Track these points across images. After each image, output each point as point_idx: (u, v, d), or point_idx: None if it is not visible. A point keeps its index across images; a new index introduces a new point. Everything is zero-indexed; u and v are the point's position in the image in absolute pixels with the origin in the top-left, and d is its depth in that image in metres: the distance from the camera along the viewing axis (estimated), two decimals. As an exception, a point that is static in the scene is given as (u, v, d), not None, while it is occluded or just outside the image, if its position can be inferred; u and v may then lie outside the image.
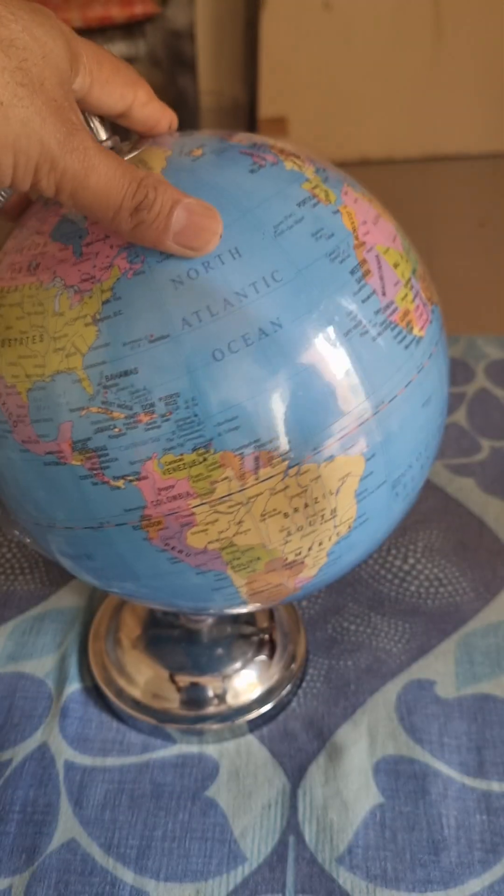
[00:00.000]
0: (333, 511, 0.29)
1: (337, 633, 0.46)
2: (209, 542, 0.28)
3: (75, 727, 0.41)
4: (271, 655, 0.43)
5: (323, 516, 0.29)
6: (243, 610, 0.33)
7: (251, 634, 0.44)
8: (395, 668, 0.44)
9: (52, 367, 0.27)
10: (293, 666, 0.43)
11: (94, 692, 0.43)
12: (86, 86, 0.28)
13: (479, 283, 1.61)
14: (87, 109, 0.29)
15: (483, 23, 1.86)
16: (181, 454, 0.26)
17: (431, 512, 0.53)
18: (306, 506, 0.28)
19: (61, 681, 0.43)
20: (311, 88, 1.93)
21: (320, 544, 0.29)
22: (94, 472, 0.27)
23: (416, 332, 0.29)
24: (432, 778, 0.39)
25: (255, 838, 0.37)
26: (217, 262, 0.26)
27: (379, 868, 0.36)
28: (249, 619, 0.44)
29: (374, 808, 0.38)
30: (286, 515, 0.28)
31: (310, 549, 0.29)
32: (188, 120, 1.64)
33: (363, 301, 0.28)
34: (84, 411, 0.27)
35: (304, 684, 0.43)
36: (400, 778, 0.39)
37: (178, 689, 0.42)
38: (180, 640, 0.43)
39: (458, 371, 0.64)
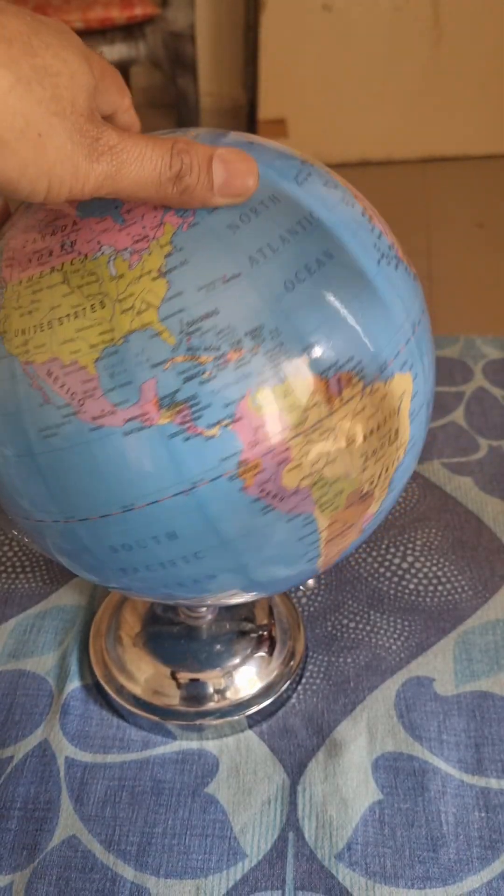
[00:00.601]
0: (396, 432, 0.30)
1: (336, 631, 0.46)
2: (302, 479, 0.28)
3: (76, 724, 0.42)
4: (271, 652, 0.44)
5: (390, 438, 0.30)
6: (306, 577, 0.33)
7: (250, 631, 0.44)
8: (394, 666, 0.44)
9: (123, 328, 0.27)
10: (292, 662, 0.44)
11: (94, 689, 0.43)
12: None
13: (477, 284, 1.62)
14: None
15: (482, 24, 1.86)
16: (273, 386, 0.27)
17: (430, 510, 0.53)
18: (378, 427, 0.29)
19: (62, 678, 0.43)
20: (311, 90, 1.94)
21: (386, 470, 0.31)
22: (186, 425, 0.27)
23: (412, 270, 0.33)
24: (431, 775, 0.40)
25: (255, 835, 0.37)
26: (262, 208, 0.28)
27: (378, 864, 0.36)
28: (249, 615, 0.45)
29: (373, 805, 0.38)
30: (364, 438, 0.29)
31: (379, 476, 0.31)
32: (188, 121, 1.65)
33: (378, 237, 0.30)
34: (168, 364, 0.26)
35: (303, 681, 0.44)
36: (399, 775, 0.40)
37: (179, 686, 0.42)
38: (180, 637, 0.43)
39: (457, 371, 0.65)
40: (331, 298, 0.28)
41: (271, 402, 0.27)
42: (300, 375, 0.27)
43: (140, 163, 0.26)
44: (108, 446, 0.27)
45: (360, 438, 0.29)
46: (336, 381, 0.28)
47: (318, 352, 0.27)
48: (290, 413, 0.27)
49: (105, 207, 0.28)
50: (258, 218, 0.28)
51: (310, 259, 0.28)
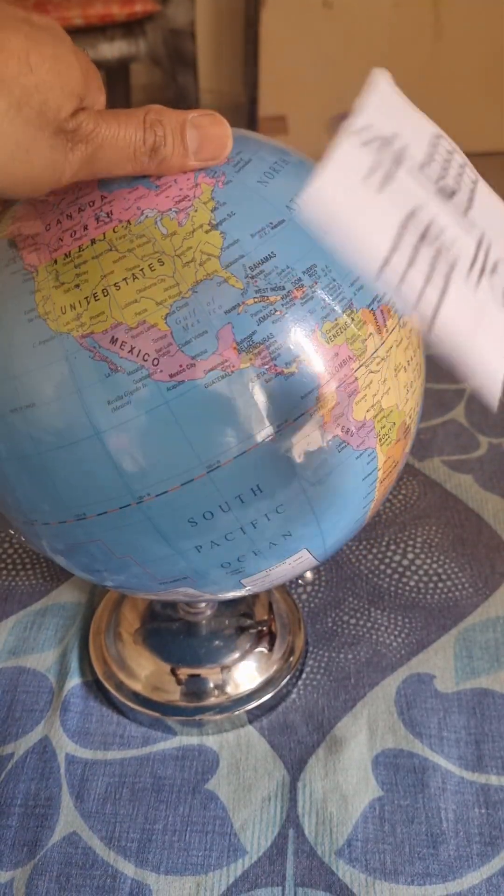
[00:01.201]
0: (420, 365, 0.32)
1: (337, 627, 0.46)
2: (367, 411, 0.30)
3: (76, 721, 0.42)
4: (270, 647, 0.44)
5: (418, 371, 0.32)
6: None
7: (250, 626, 0.44)
8: (394, 662, 0.44)
9: (189, 280, 0.27)
10: (292, 658, 0.44)
11: (94, 686, 0.43)
12: None
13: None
14: None
15: (483, 21, 1.86)
16: (336, 319, 0.28)
17: (430, 508, 0.53)
18: (410, 360, 0.31)
19: (62, 675, 0.44)
20: (312, 87, 1.93)
21: (417, 404, 0.33)
22: (266, 365, 0.27)
23: None
24: (431, 771, 0.40)
25: (255, 831, 0.38)
26: (280, 165, 0.30)
27: (378, 861, 0.37)
28: (248, 611, 0.45)
29: (373, 802, 0.38)
30: (405, 369, 0.31)
31: (414, 410, 0.33)
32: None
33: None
34: (241, 307, 0.27)
35: (304, 676, 0.44)
36: (399, 771, 0.40)
37: (179, 682, 0.42)
38: (180, 633, 0.43)
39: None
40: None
41: (336, 335, 0.28)
42: (355, 307, 0.29)
43: (114, 143, 0.26)
44: (189, 403, 0.27)
45: (402, 369, 0.31)
46: (381, 313, 0.30)
47: (360, 285, 0.29)
48: (353, 344, 0.29)
49: (131, 178, 0.29)
50: (279, 175, 0.29)
51: None
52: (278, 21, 1.85)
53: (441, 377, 0.63)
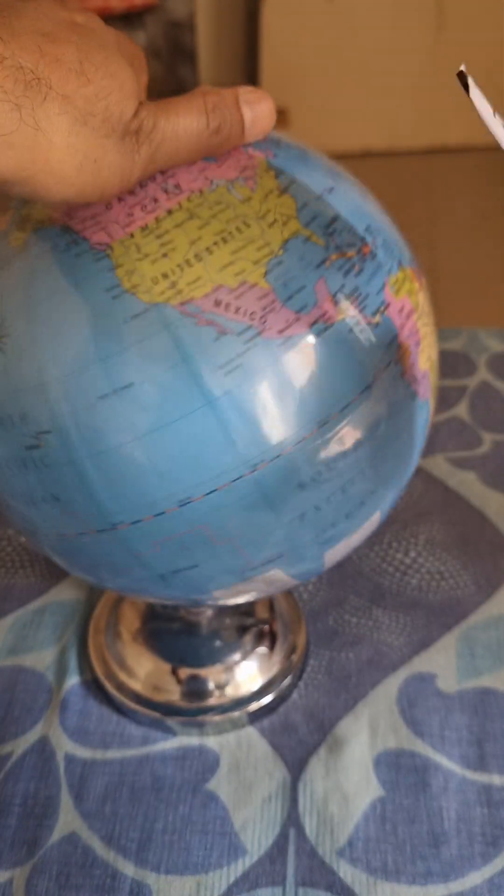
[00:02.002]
0: (431, 321, 0.34)
1: (338, 626, 0.46)
2: (424, 361, 0.32)
3: (75, 720, 0.41)
4: (272, 647, 0.43)
5: (433, 326, 0.34)
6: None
7: (251, 626, 0.44)
8: (396, 661, 0.44)
9: (278, 239, 0.27)
10: (293, 657, 0.43)
11: (93, 685, 0.43)
12: None
13: (481, 276, 1.61)
14: None
15: (485, 13, 1.85)
16: (395, 274, 0.30)
17: (432, 505, 0.53)
18: (426, 313, 0.33)
19: (61, 674, 0.43)
20: (313, 80, 1.92)
21: (435, 355, 0.34)
22: (358, 316, 0.28)
23: None
24: (433, 771, 0.39)
25: (256, 831, 0.37)
26: (299, 145, 0.32)
27: (379, 861, 0.36)
28: (249, 610, 0.44)
29: (374, 801, 0.38)
30: (426, 324, 0.32)
31: (432, 357, 0.34)
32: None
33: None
34: (328, 262, 0.28)
35: (305, 676, 0.43)
36: (401, 771, 0.39)
37: (179, 682, 0.42)
38: (180, 633, 0.43)
39: (460, 364, 0.64)
40: (378, 207, 0.32)
41: (400, 289, 0.30)
42: (404, 265, 0.31)
43: (176, 136, 0.27)
44: (299, 357, 0.27)
45: (427, 320, 0.32)
46: (418, 271, 0.32)
47: (401, 246, 0.31)
48: (411, 297, 0.31)
49: None
50: (308, 152, 0.31)
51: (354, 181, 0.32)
52: (279, 13, 1.84)
53: (444, 374, 0.63)
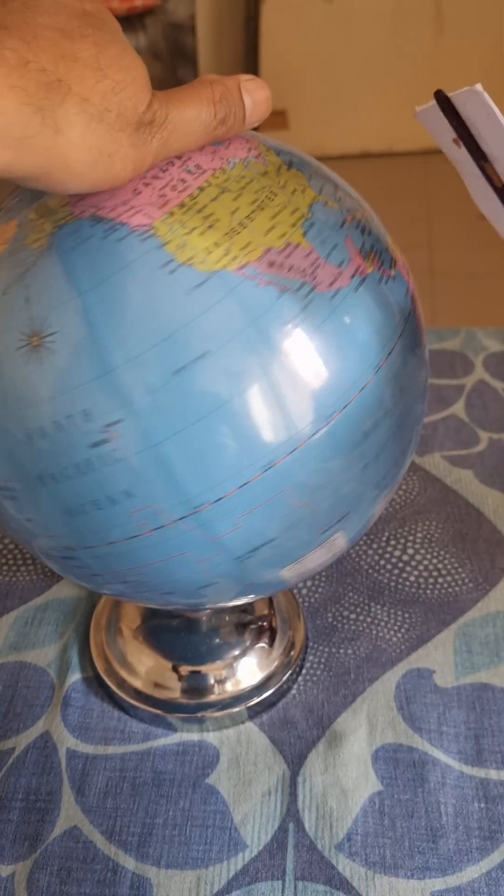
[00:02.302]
0: None
1: (337, 622, 0.46)
2: (422, 316, 0.35)
3: (77, 716, 0.42)
4: (271, 642, 0.44)
5: None
6: None
7: (250, 622, 0.44)
8: (394, 657, 0.44)
9: (304, 203, 0.29)
10: (293, 653, 0.44)
11: (95, 682, 0.43)
12: None
13: (478, 276, 1.61)
14: None
15: (484, 15, 1.85)
16: (387, 235, 0.33)
17: (430, 503, 0.53)
18: None
19: (63, 670, 0.44)
20: (312, 81, 1.93)
21: None
22: (382, 269, 0.30)
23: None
24: (431, 766, 0.40)
25: (256, 825, 0.38)
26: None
27: (378, 855, 0.37)
28: (248, 607, 0.45)
29: (373, 796, 0.39)
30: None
31: None
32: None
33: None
34: (346, 222, 0.30)
35: (304, 672, 0.44)
36: (399, 766, 0.40)
37: (179, 678, 0.42)
38: (180, 630, 0.43)
39: (458, 363, 0.65)
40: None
41: (396, 247, 0.32)
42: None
43: (185, 126, 0.27)
44: (347, 309, 0.28)
45: None
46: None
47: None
48: (404, 255, 0.33)
49: None
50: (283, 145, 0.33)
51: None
52: (278, 15, 1.85)
53: (441, 373, 0.63)
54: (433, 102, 0.29)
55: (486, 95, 0.27)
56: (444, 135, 0.30)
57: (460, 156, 0.30)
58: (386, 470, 0.31)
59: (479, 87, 0.27)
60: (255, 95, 0.29)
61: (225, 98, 0.28)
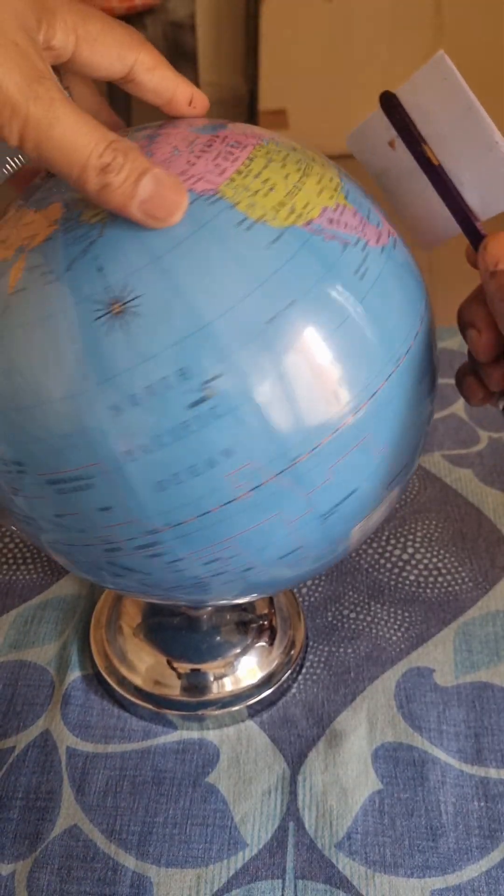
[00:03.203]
0: None
1: (337, 621, 0.46)
2: None
3: (77, 714, 0.42)
4: (271, 641, 0.44)
5: None
6: None
7: (251, 621, 0.44)
8: (394, 656, 0.44)
9: (335, 174, 0.31)
10: (293, 652, 0.44)
11: (95, 680, 0.43)
12: (69, 44, 0.27)
13: (478, 276, 1.61)
14: (80, 71, 0.29)
15: (484, 16, 1.85)
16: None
17: (430, 502, 0.53)
18: None
19: (63, 669, 0.44)
20: (312, 80, 1.93)
21: None
22: (395, 234, 0.32)
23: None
24: (431, 765, 0.40)
25: (256, 824, 0.38)
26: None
27: (378, 854, 0.37)
28: (248, 605, 0.45)
29: (373, 795, 0.39)
30: None
31: None
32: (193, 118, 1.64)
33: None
34: (366, 192, 0.32)
35: (304, 671, 0.44)
36: (399, 765, 0.40)
37: (179, 676, 0.42)
38: (181, 628, 0.43)
39: (458, 362, 0.64)
40: None
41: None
42: None
43: (74, 133, 0.25)
44: (394, 265, 0.31)
45: None
46: None
47: None
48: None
49: (207, 128, 0.31)
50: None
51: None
52: (278, 14, 1.85)
53: (442, 372, 0.63)
54: (368, 116, 0.32)
55: (447, 59, 0.29)
56: (377, 148, 0.33)
57: (394, 160, 0.32)
58: (433, 405, 0.35)
59: (441, 52, 0.29)
60: (162, 190, 0.26)
61: (119, 152, 0.26)
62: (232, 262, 0.27)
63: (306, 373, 0.27)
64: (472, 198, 0.32)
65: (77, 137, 0.25)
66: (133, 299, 0.26)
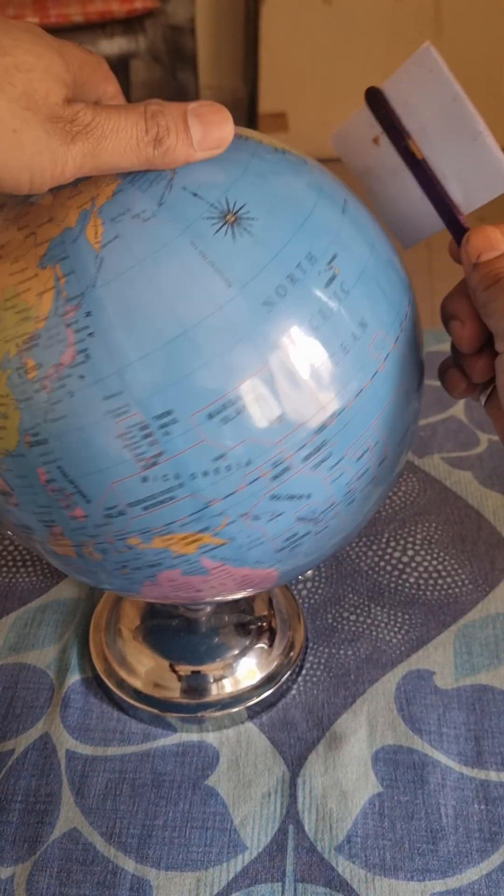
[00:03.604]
0: None
1: (337, 623, 0.46)
2: None
3: (76, 717, 0.42)
4: (270, 643, 0.44)
5: None
6: None
7: (250, 622, 0.44)
8: (394, 659, 0.44)
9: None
10: (292, 653, 0.44)
11: (94, 683, 0.43)
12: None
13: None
14: None
15: (483, 17, 1.85)
16: None
17: (430, 504, 0.53)
18: None
19: (62, 671, 0.44)
20: (312, 83, 1.93)
21: None
22: None
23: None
24: (431, 768, 0.40)
25: (255, 827, 0.38)
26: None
27: (378, 857, 0.37)
28: (248, 607, 0.45)
29: (373, 798, 0.39)
30: None
31: None
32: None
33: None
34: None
35: (304, 672, 0.44)
36: (399, 767, 0.40)
37: (179, 678, 0.42)
38: (180, 630, 0.43)
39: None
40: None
41: None
42: None
43: (116, 134, 0.26)
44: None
45: None
46: None
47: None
48: None
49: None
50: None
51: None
52: (278, 17, 1.85)
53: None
54: (353, 114, 0.32)
55: (433, 50, 0.29)
56: (361, 146, 0.32)
57: (377, 157, 0.32)
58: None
59: (427, 43, 0.30)
60: (207, 119, 0.28)
61: (157, 116, 0.27)
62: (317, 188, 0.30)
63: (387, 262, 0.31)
64: (456, 191, 0.32)
65: (121, 137, 0.26)
66: (241, 207, 0.28)
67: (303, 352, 0.28)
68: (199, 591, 0.32)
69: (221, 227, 0.28)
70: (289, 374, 0.28)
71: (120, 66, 1.62)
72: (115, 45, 1.46)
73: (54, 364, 0.27)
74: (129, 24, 1.47)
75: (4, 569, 0.50)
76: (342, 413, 0.29)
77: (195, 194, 0.28)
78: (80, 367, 0.27)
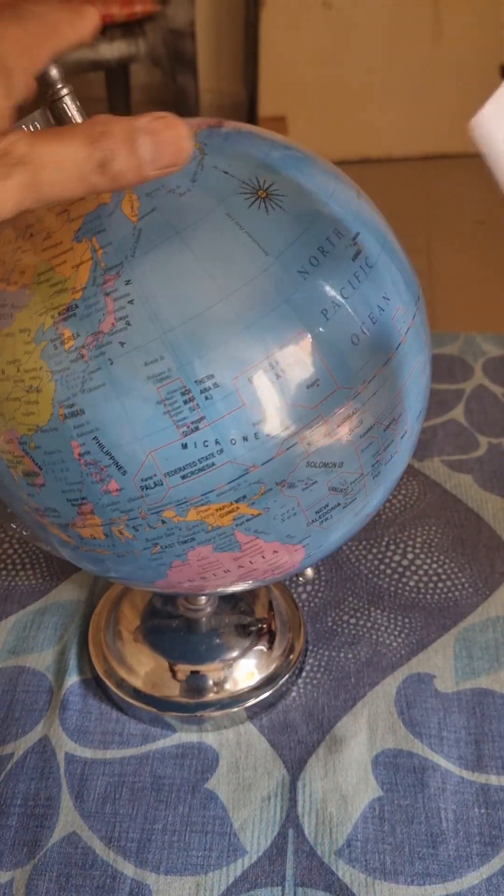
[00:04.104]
0: None
1: (337, 626, 0.46)
2: None
3: (75, 719, 0.42)
4: (270, 645, 0.44)
5: None
6: None
7: (250, 624, 0.44)
8: (394, 662, 0.44)
9: None
10: (292, 656, 0.44)
11: (93, 683, 0.43)
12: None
13: (477, 281, 1.62)
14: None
15: (482, 20, 1.86)
16: None
17: (430, 508, 0.53)
18: None
19: (61, 673, 0.44)
20: (311, 87, 1.93)
21: None
22: None
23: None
24: (431, 771, 0.40)
25: (255, 831, 0.38)
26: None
27: (378, 861, 0.37)
28: (248, 609, 0.45)
29: (373, 802, 0.38)
30: None
31: None
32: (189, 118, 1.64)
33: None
34: None
35: (304, 675, 0.44)
36: (399, 771, 0.40)
37: (178, 679, 0.42)
38: (180, 630, 0.43)
39: (457, 368, 0.65)
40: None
41: None
42: None
43: (56, 164, 0.24)
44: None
45: None
46: None
47: None
48: None
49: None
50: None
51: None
52: (278, 21, 1.85)
53: (441, 378, 0.63)
54: (494, 95, 0.28)
55: None
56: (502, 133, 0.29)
57: None
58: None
59: None
60: (159, 137, 0.24)
61: (101, 140, 0.24)
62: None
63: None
64: None
65: (62, 166, 0.24)
66: (271, 185, 0.30)
67: (336, 320, 0.29)
68: (227, 572, 0.32)
69: (255, 202, 0.29)
70: (324, 340, 0.29)
71: (120, 70, 1.62)
72: (115, 48, 1.47)
73: (93, 333, 0.28)
74: (129, 27, 1.47)
75: (3, 571, 0.50)
76: (372, 381, 0.30)
77: (226, 172, 0.29)
78: (121, 333, 0.28)
